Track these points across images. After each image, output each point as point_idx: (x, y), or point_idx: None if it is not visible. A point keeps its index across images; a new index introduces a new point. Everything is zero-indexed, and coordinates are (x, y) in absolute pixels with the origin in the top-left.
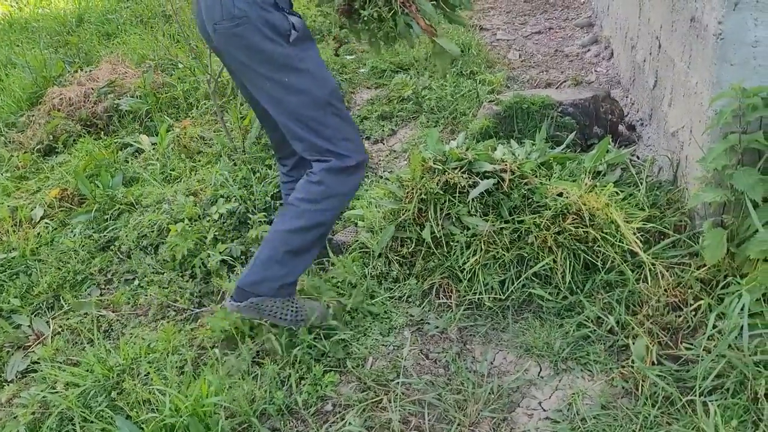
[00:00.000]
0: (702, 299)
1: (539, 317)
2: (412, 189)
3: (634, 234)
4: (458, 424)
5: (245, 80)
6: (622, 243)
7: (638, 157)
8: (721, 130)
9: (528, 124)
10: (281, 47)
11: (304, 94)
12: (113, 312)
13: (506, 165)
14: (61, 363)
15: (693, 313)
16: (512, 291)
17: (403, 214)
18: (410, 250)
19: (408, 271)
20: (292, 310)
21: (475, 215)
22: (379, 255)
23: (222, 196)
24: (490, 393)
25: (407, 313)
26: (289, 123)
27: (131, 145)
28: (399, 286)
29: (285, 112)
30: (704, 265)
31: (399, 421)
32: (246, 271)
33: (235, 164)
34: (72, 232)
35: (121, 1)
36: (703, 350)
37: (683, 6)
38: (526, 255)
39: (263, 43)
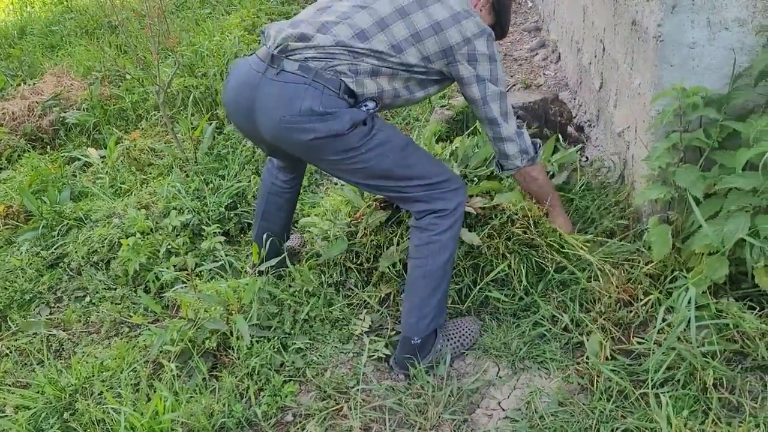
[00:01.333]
0: (651, 294)
1: (496, 318)
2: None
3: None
4: (419, 428)
5: (313, 163)
6: (566, 250)
7: (587, 158)
8: (664, 129)
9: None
10: (357, 129)
11: (385, 154)
12: (64, 331)
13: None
14: (9, 386)
15: (643, 307)
16: (470, 297)
17: (357, 225)
18: (368, 257)
19: (366, 279)
20: (456, 338)
21: None
22: (335, 263)
23: (175, 209)
24: (450, 395)
25: (366, 319)
26: (375, 189)
27: (79, 159)
28: (357, 294)
29: (369, 176)
30: (652, 261)
31: (360, 428)
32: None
33: (187, 175)
34: (18, 250)
35: (64, 12)
36: (654, 344)
37: (624, 9)
38: (481, 263)
39: (343, 136)
